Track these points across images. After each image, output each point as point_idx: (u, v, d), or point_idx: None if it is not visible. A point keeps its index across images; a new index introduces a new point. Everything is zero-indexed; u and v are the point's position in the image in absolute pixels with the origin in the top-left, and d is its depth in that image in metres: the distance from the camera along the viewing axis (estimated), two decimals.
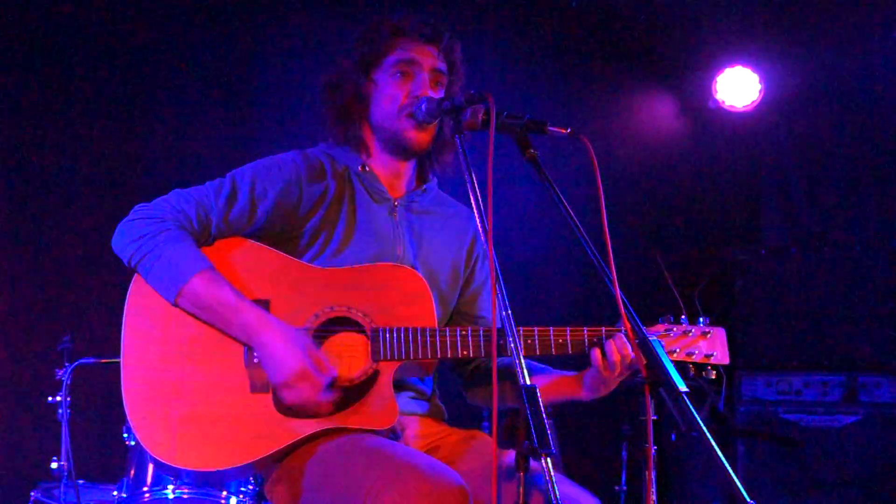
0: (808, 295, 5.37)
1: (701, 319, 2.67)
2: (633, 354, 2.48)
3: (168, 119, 5.05)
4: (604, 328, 2.54)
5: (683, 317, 2.66)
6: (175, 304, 2.49)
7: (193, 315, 2.50)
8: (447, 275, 2.79)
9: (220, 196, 2.59)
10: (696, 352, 2.62)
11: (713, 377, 2.64)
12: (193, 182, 2.64)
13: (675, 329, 2.63)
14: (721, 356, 2.64)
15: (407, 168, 2.79)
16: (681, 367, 2.61)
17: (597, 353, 2.50)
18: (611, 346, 2.50)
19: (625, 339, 2.50)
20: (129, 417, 2.46)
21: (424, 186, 2.82)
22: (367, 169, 2.74)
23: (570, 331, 2.55)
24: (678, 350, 2.62)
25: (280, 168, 2.66)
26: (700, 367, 2.63)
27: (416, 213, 2.80)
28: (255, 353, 2.49)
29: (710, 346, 2.63)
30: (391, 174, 2.77)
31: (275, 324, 2.46)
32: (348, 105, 2.73)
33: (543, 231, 5.48)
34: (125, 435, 3.87)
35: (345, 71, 2.74)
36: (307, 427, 2.47)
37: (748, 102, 5.90)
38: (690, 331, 2.63)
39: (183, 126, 5.07)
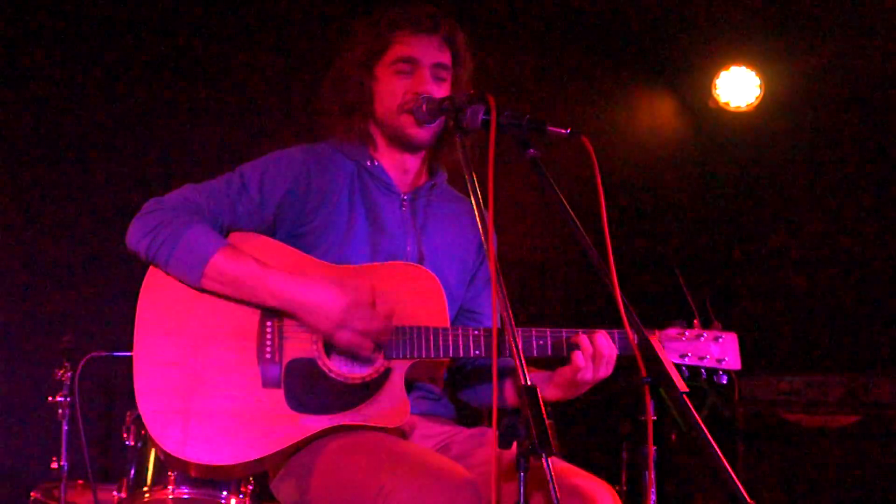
0: (808, 295, 5.37)
1: (714, 324, 2.67)
2: (607, 353, 2.48)
3: (169, 118, 5.05)
4: (580, 330, 2.53)
5: (695, 321, 2.66)
6: (200, 286, 2.48)
7: (219, 294, 2.50)
8: (456, 271, 2.78)
9: (230, 190, 2.60)
10: (708, 356, 2.62)
11: (724, 382, 2.63)
12: (195, 180, 2.64)
13: (687, 333, 2.63)
14: (732, 361, 2.64)
15: (413, 163, 2.78)
16: (692, 371, 2.62)
17: (577, 354, 2.50)
18: (586, 341, 2.49)
19: (603, 339, 2.49)
20: (140, 411, 2.45)
21: (434, 181, 2.81)
22: (376, 163, 2.74)
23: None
24: (690, 354, 2.62)
25: (289, 162, 2.66)
26: (711, 371, 2.63)
27: (426, 208, 2.79)
28: (279, 336, 2.49)
29: (722, 351, 2.63)
30: (398, 169, 2.77)
31: (303, 279, 2.47)
32: (353, 102, 2.72)
33: (543, 231, 5.49)
34: (125, 435, 3.87)
35: (347, 67, 2.74)
36: (318, 423, 2.47)
37: (748, 102, 5.90)
38: (702, 335, 2.63)
39: (184, 126, 5.06)
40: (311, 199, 2.65)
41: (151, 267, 2.54)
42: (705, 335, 2.64)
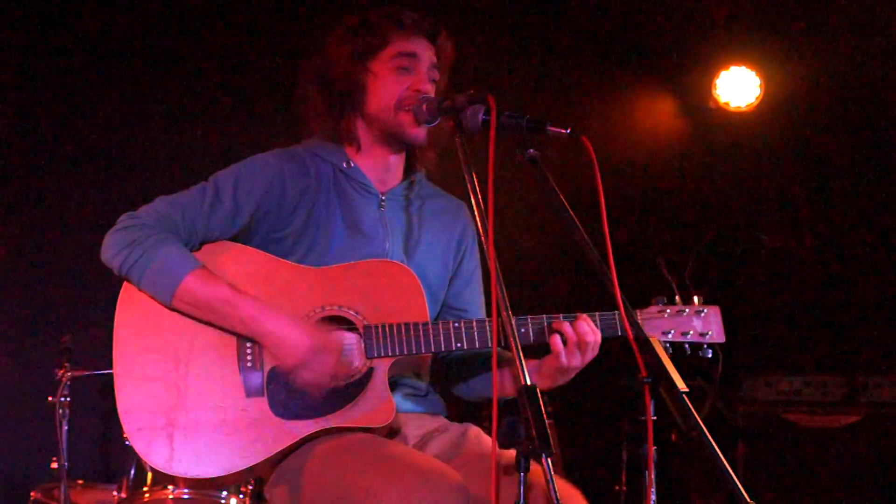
0: (808, 295, 5.37)
1: (695, 298, 2.62)
2: (592, 339, 2.48)
3: (167, 120, 5.05)
4: (562, 315, 2.52)
5: (677, 297, 2.62)
6: (171, 307, 2.47)
7: (190, 315, 2.48)
8: (436, 268, 2.76)
9: (204, 200, 2.55)
10: (692, 331, 2.58)
11: (710, 356, 2.60)
12: (191, 183, 2.63)
13: (668, 310, 2.59)
14: (717, 334, 2.59)
15: (397, 162, 2.76)
16: (676, 347, 2.58)
17: (557, 339, 2.49)
18: (569, 329, 2.48)
19: (585, 324, 2.49)
20: (125, 428, 2.46)
21: (413, 178, 2.79)
22: (353, 165, 2.71)
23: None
24: (673, 331, 2.58)
25: (263, 168, 2.62)
26: (696, 346, 2.59)
27: (405, 206, 2.77)
28: (258, 345, 2.48)
29: (706, 324, 2.59)
30: (381, 168, 2.73)
31: (274, 311, 2.46)
32: (341, 96, 2.68)
33: (542, 231, 5.48)
34: (125, 435, 3.87)
35: (338, 61, 2.69)
36: (304, 428, 2.46)
37: (748, 102, 5.91)
38: (685, 310, 2.59)
39: (182, 126, 5.06)
40: (287, 204, 2.61)
41: (126, 283, 2.52)
42: (687, 310, 2.59)
